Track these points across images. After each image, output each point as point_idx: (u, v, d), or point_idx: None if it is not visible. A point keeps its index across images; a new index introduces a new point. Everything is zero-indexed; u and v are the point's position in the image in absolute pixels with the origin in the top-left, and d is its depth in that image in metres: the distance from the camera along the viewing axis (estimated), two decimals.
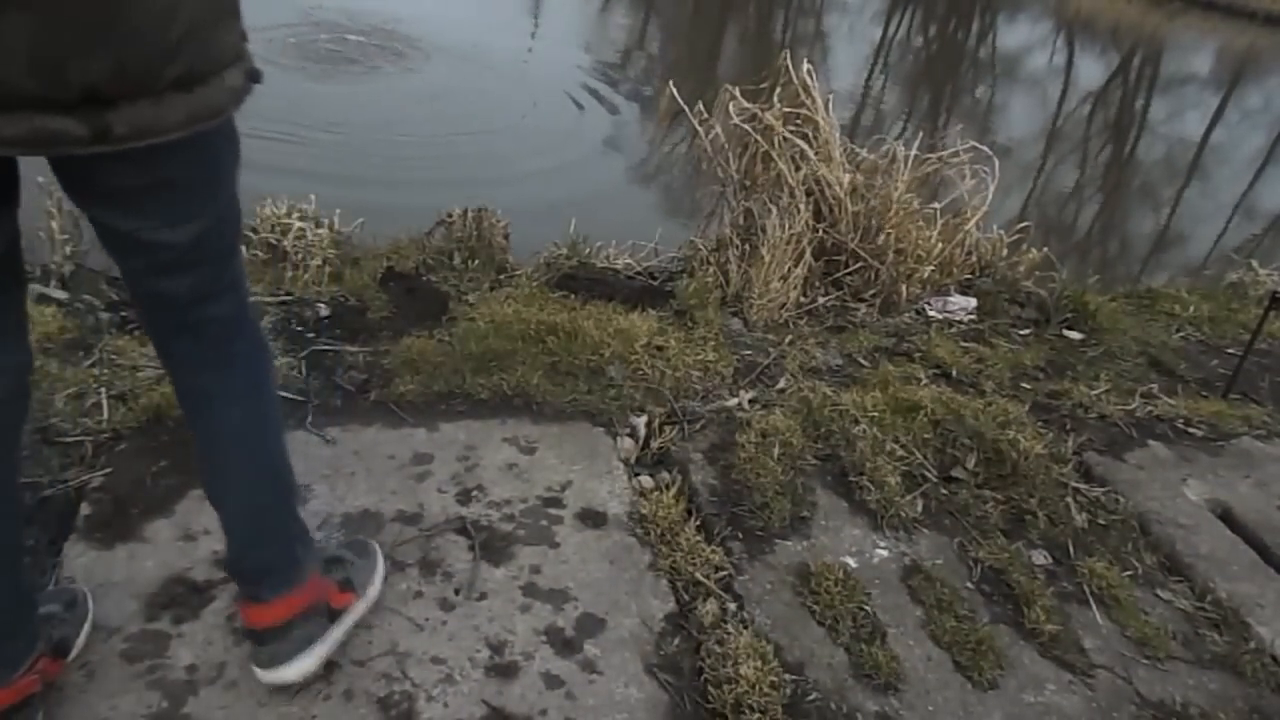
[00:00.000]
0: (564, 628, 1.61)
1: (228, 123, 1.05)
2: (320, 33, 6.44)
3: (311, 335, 2.29)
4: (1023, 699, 1.62)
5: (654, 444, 2.13)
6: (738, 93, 2.98)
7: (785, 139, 2.91)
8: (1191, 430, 2.54)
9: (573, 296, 2.66)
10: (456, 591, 1.64)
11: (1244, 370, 2.78)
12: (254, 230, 2.65)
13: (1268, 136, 10.27)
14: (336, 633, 1.43)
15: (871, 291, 3.00)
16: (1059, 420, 2.46)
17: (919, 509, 2.04)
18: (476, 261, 2.77)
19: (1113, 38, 15.28)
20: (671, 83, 3.10)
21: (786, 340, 2.69)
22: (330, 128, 4.79)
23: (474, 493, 1.88)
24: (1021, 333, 3.00)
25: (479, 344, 2.30)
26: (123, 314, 2.35)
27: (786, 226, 2.78)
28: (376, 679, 1.45)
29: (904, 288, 2.99)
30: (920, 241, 3.00)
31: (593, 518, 1.86)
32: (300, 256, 2.59)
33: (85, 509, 1.67)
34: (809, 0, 13.77)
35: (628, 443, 2.11)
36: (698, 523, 1.90)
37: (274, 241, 2.63)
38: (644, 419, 2.18)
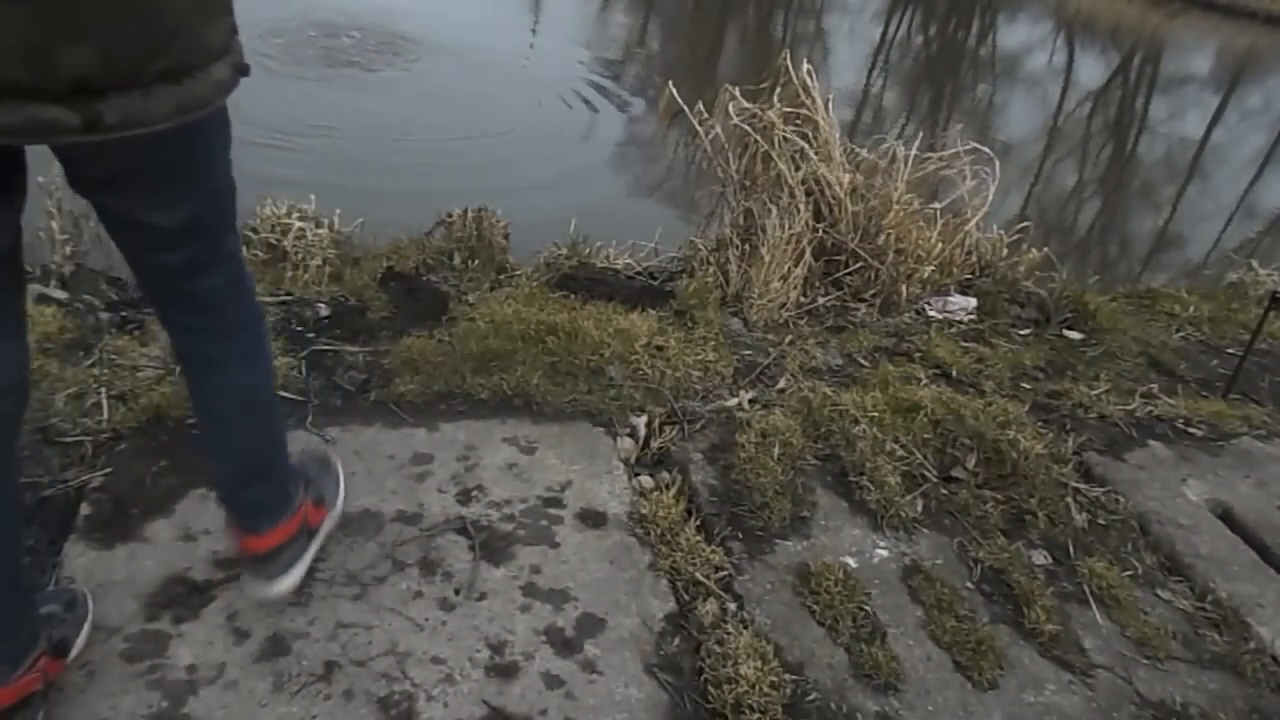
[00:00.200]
0: (564, 628, 1.61)
1: (219, 110, 1.09)
2: (319, 32, 6.45)
3: (311, 335, 2.29)
4: (1023, 699, 1.62)
5: (654, 444, 2.13)
6: (738, 93, 2.98)
7: (785, 139, 2.91)
8: (1191, 430, 2.54)
9: (573, 296, 2.66)
10: (456, 591, 1.64)
11: (1244, 370, 2.78)
12: (254, 230, 2.65)
13: (1268, 136, 10.27)
14: (314, 546, 1.58)
15: (871, 291, 3.00)
16: (1059, 420, 2.46)
17: (919, 509, 2.04)
18: (476, 261, 2.77)
19: (1113, 38, 15.27)
20: (671, 83, 3.10)
21: (786, 340, 2.69)
22: (329, 127, 4.79)
23: (474, 493, 1.88)
24: (1021, 333, 3.00)
25: (479, 344, 2.30)
26: (123, 314, 2.35)
27: (786, 226, 2.78)
28: (376, 679, 1.46)
29: (904, 288, 2.99)
30: (920, 241, 3.00)
31: (593, 518, 1.86)
32: (300, 256, 2.59)
33: (85, 509, 1.67)
34: (809, 0, 13.77)
35: (628, 443, 2.11)
36: (698, 523, 1.90)
37: (274, 241, 2.63)
38: (644, 419, 2.18)
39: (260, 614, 1.53)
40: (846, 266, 3.00)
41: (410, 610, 1.59)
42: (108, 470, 1.77)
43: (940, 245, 3.05)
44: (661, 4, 11.64)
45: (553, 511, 1.86)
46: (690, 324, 2.62)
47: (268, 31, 6.10)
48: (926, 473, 2.14)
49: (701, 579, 1.74)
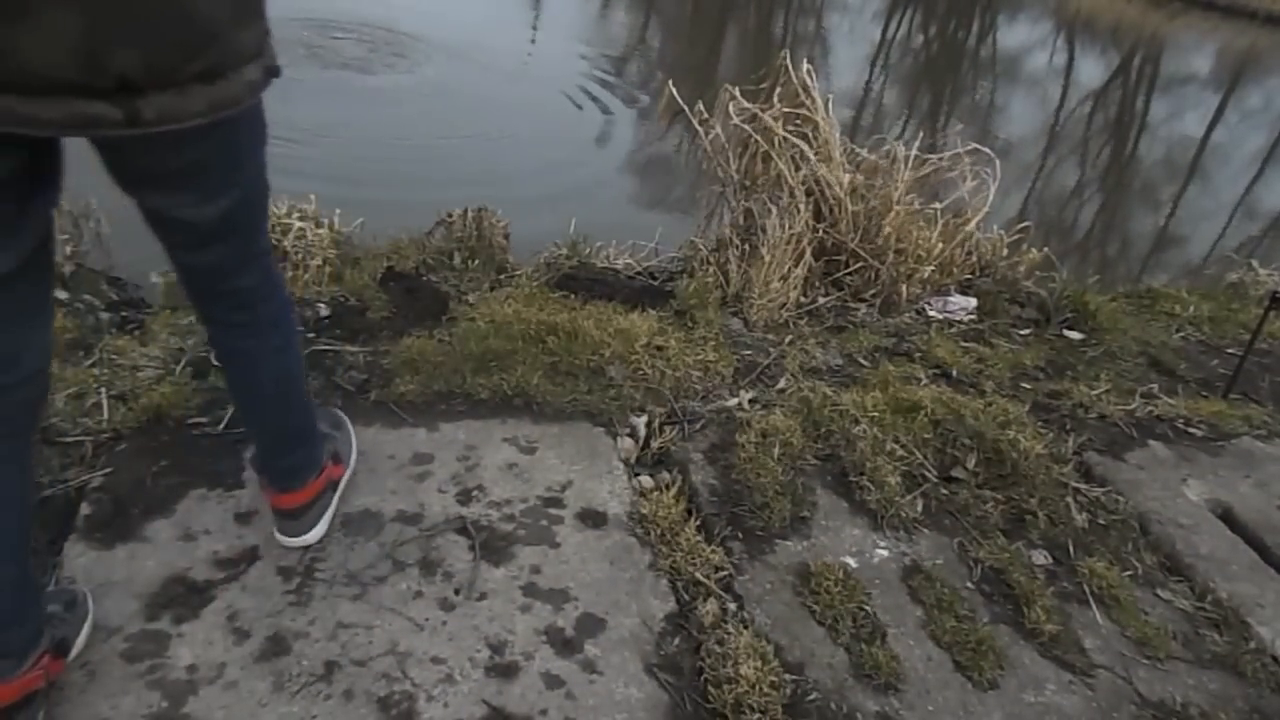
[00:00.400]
0: (564, 628, 1.61)
1: (252, 110, 1.17)
2: (319, 31, 6.44)
3: (312, 335, 2.29)
4: (1023, 699, 1.62)
5: (654, 444, 2.13)
6: (737, 93, 2.98)
7: (785, 139, 2.90)
8: (1191, 430, 2.54)
9: (573, 296, 2.66)
10: (456, 591, 1.64)
11: (1244, 370, 2.77)
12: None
13: (1268, 136, 10.27)
14: (336, 497, 1.73)
15: (871, 291, 3.00)
16: (1059, 420, 2.46)
17: (919, 509, 2.04)
18: (476, 261, 2.77)
19: (1113, 38, 15.27)
20: (671, 83, 3.10)
21: (786, 340, 2.69)
22: (329, 127, 4.78)
23: (474, 493, 1.88)
24: (1021, 333, 3.00)
25: (479, 344, 2.30)
26: (123, 314, 2.35)
27: (786, 226, 2.78)
28: (376, 679, 1.46)
29: (904, 288, 2.99)
30: (920, 241, 3.00)
31: (593, 518, 1.86)
32: (300, 256, 2.59)
33: (85, 509, 1.67)
34: (809, 0, 13.77)
35: (628, 443, 2.11)
36: (698, 523, 1.90)
37: (274, 241, 2.63)
38: (644, 419, 2.18)
39: (260, 614, 1.53)
40: (846, 266, 3.00)
41: (410, 610, 1.59)
42: (108, 470, 1.77)
43: (940, 245, 3.05)
44: (661, 4, 11.64)
45: (553, 511, 1.86)
46: (690, 324, 2.62)
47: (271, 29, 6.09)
48: (926, 473, 2.14)
49: (701, 579, 1.74)
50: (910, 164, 3.01)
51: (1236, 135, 10.21)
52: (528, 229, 3.02)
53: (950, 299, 3.08)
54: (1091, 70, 12.99)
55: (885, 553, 1.91)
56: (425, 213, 2.93)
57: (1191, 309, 3.33)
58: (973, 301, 3.08)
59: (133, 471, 1.77)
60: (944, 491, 2.11)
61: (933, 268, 3.04)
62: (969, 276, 3.23)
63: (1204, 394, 2.77)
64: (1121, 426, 2.48)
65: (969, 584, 1.86)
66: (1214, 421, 2.58)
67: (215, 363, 2.11)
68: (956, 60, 12.29)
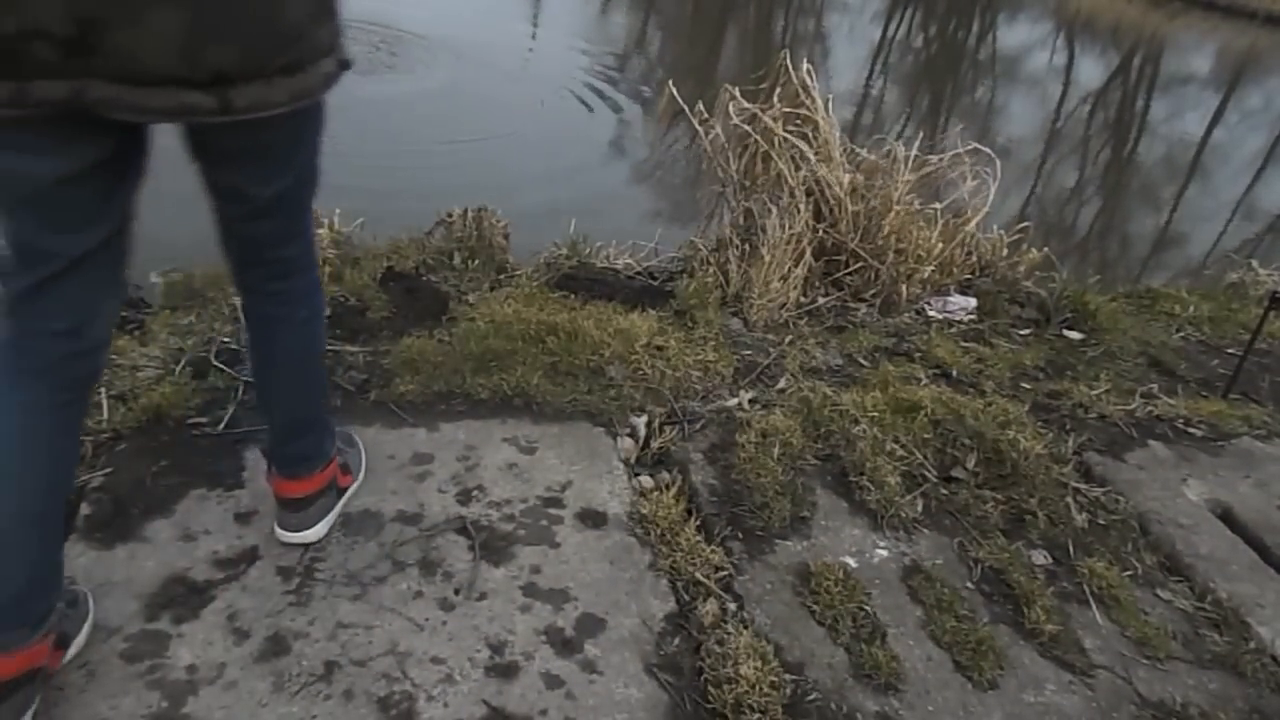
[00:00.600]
0: (564, 628, 1.61)
1: (318, 103, 1.29)
2: None
3: None
4: (1023, 699, 1.62)
5: (654, 444, 2.13)
6: (737, 93, 2.98)
7: (785, 139, 2.91)
8: (1191, 430, 2.54)
9: (573, 296, 2.66)
10: (456, 591, 1.64)
11: (1244, 370, 2.78)
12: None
13: (1268, 136, 10.28)
14: (339, 505, 1.75)
15: (871, 291, 3.00)
16: (1059, 420, 2.46)
17: (919, 509, 2.04)
18: (476, 261, 2.77)
19: (1113, 38, 15.28)
20: (671, 83, 3.10)
21: (786, 340, 2.69)
22: (329, 126, 4.78)
23: (474, 493, 1.88)
24: (1021, 333, 3.00)
25: (479, 344, 2.30)
26: (123, 314, 2.35)
27: (786, 226, 2.79)
28: (376, 679, 1.46)
29: (904, 288, 2.99)
30: (920, 241, 3.00)
31: (593, 518, 1.86)
32: None
33: (85, 509, 1.67)
34: (809, 0, 13.77)
35: (628, 443, 2.11)
36: (698, 523, 1.90)
37: None
38: (644, 419, 2.18)
39: (260, 614, 1.53)
40: (846, 266, 3.00)
41: (410, 610, 1.59)
42: (108, 470, 1.77)
43: (940, 245, 3.05)
44: (661, 4, 11.64)
45: (553, 511, 1.86)
46: (690, 324, 2.62)
47: None
48: (926, 473, 2.14)
49: (701, 579, 1.74)
50: (910, 164, 3.01)
51: (1236, 135, 10.22)
52: (528, 229, 3.02)
53: (950, 299, 3.08)
54: (1091, 70, 13.00)
55: (885, 553, 1.91)
56: (425, 213, 2.93)
57: (1191, 309, 3.33)
58: (973, 301, 3.08)
59: (133, 471, 1.77)
60: (944, 491, 2.11)
61: (933, 268, 3.04)
62: (969, 276, 3.23)
63: (1204, 394, 2.77)
64: (1121, 426, 2.48)
65: (969, 584, 1.86)
66: (1214, 421, 2.58)
67: (215, 363, 2.11)
68: (956, 60, 12.29)
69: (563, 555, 1.76)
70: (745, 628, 1.64)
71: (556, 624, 1.61)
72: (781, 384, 2.46)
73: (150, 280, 2.50)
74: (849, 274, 3.01)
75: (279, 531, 1.66)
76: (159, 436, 1.87)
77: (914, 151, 3.03)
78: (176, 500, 1.73)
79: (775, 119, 2.91)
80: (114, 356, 2.10)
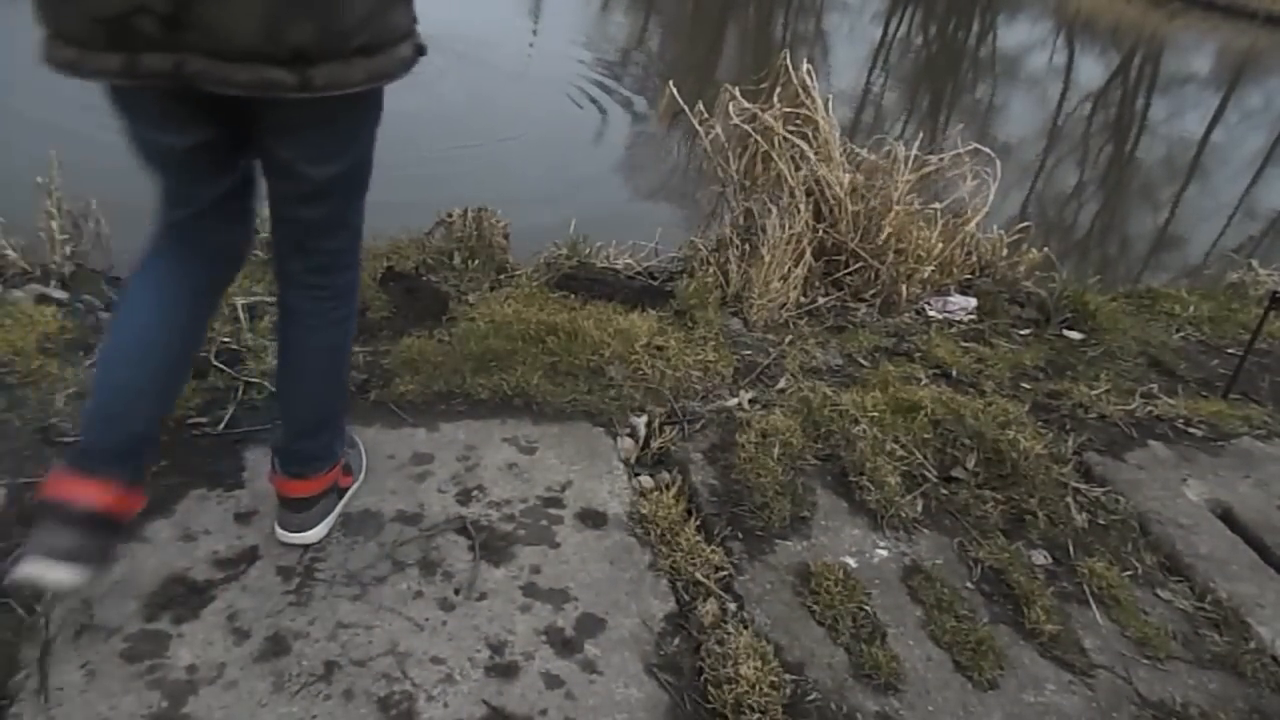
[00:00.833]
0: (564, 628, 1.61)
1: (378, 92, 1.35)
2: None
3: None
4: (1023, 699, 1.62)
5: (654, 444, 2.13)
6: (738, 93, 2.98)
7: (785, 139, 2.91)
8: (1191, 430, 2.54)
9: (573, 296, 2.66)
10: (456, 591, 1.64)
11: (1244, 370, 2.78)
12: (254, 231, 2.64)
13: (1268, 136, 10.28)
14: (340, 506, 1.76)
15: (871, 291, 3.00)
16: (1059, 420, 2.46)
17: (919, 509, 2.04)
18: (476, 261, 2.77)
19: (1113, 38, 15.28)
20: (671, 83, 3.10)
21: (786, 340, 2.69)
22: None
23: (474, 493, 1.88)
24: (1021, 333, 3.00)
25: (479, 344, 2.30)
26: None
27: (786, 226, 2.78)
28: (376, 679, 1.46)
29: (904, 288, 2.99)
30: (920, 241, 3.00)
31: (593, 518, 1.86)
32: None
33: None
34: (809, 0, 13.77)
35: (628, 443, 2.11)
36: (698, 523, 1.90)
37: None
38: (644, 419, 2.18)
39: (260, 614, 1.53)
40: (846, 266, 3.00)
41: (410, 610, 1.59)
42: None
43: (940, 245, 3.05)
44: (661, 4, 11.64)
45: (553, 511, 1.86)
46: (690, 324, 2.62)
47: None
48: (926, 473, 2.14)
49: (701, 579, 1.74)
50: (910, 164, 3.01)
51: (1236, 135, 10.22)
52: (528, 229, 3.02)
53: (950, 299, 3.08)
54: (1091, 70, 13.00)
55: (885, 553, 1.91)
56: (425, 213, 2.93)
57: (1191, 309, 3.33)
58: (973, 301, 3.08)
59: None
60: (944, 491, 2.11)
61: (933, 268, 3.04)
62: (969, 276, 3.23)
63: (1204, 394, 2.77)
64: (1121, 426, 2.48)
65: (969, 584, 1.86)
66: (1214, 421, 2.58)
67: (215, 363, 2.11)
68: (956, 60, 12.30)
69: (563, 555, 1.76)
70: (745, 628, 1.64)
71: (556, 624, 1.61)
72: (781, 384, 2.46)
73: None
74: (849, 274, 3.01)
75: (279, 532, 1.66)
76: (159, 436, 1.86)
77: (914, 151, 3.03)
78: (176, 500, 1.73)
79: (775, 119, 2.91)
80: None
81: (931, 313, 3.01)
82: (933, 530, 1.99)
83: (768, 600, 1.73)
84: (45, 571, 1.32)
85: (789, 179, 2.86)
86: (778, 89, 2.99)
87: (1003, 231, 3.36)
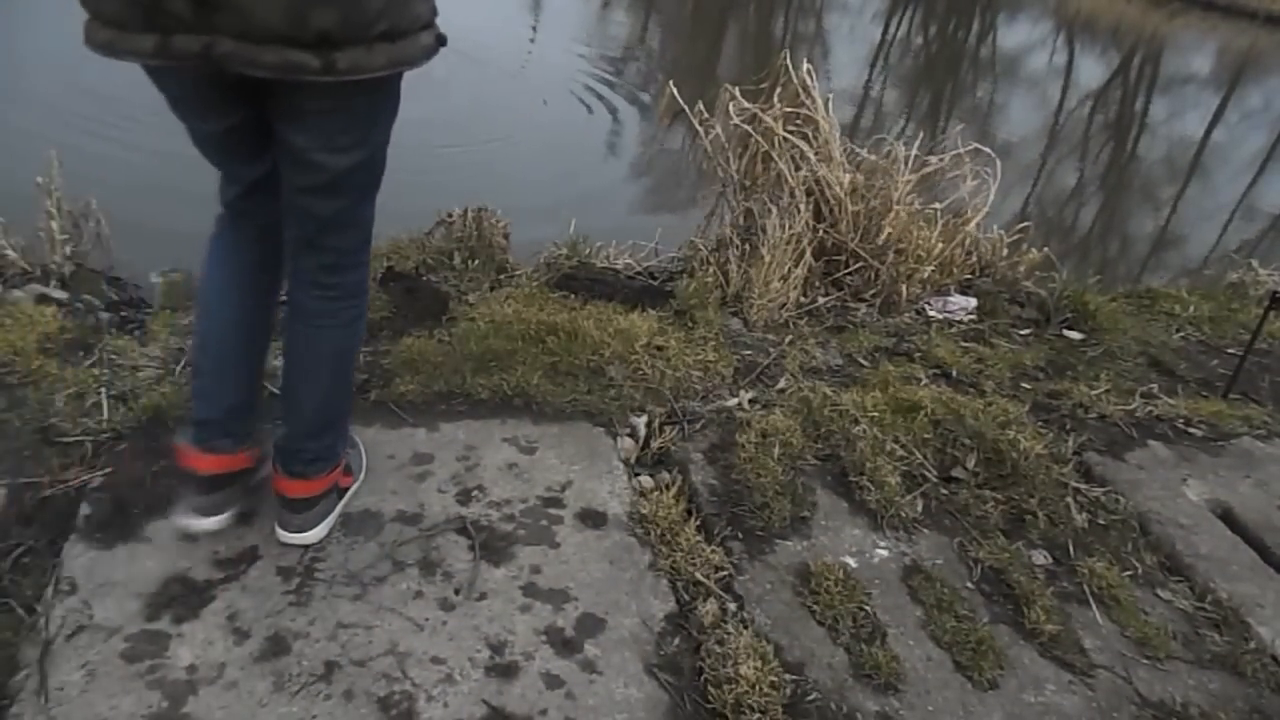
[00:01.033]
0: (564, 628, 1.61)
1: (396, 85, 1.40)
2: None
3: None
4: (1023, 699, 1.62)
5: (654, 444, 2.13)
6: (738, 93, 2.98)
7: (785, 139, 2.90)
8: (1191, 430, 2.54)
9: (573, 296, 2.66)
10: (456, 591, 1.64)
11: (1244, 370, 2.77)
12: None
13: (1268, 136, 10.27)
14: (339, 506, 1.76)
15: (871, 291, 3.00)
16: (1059, 420, 2.46)
17: (919, 509, 2.04)
18: (476, 261, 2.77)
19: (1113, 38, 15.28)
20: (671, 83, 3.10)
21: (786, 340, 2.69)
22: None
23: (474, 493, 1.88)
24: (1021, 333, 3.00)
25: (479, 344, 2.30)
26: (122, 314, 2.35)
27: (786, 226, 2.78)
28: (376, 679, 1.46)
29: (904, 288, 2.99)
30: (920, 241, 3.00)
31: (593, 518, 1.86)
32: None
33: (85, 509, 1.67)
34: (809, 0, 13.76)
35: (628, 443, 2.11)
36: (698, 523, 1.90)
37: None
38: (644, 419, 2.18)
39: (260, 614, 1.53)
40: (846, 266, 3.00)
41: (410, 610, 1.59)
42: (108, 470, 1.77)
43: (940, 245, 3.05)
44: (661, 4, 11.64)
45: (553, 511, 1.86)
46: (690, 324, 2.62)
47: None
48: (926, 473, 2.14)
49: (701, 579, 1.74)
50: (910, 164, 3.01)
51: (1236, 135, 10.21)
52: (527, 229, 3.02)
53: (950, 299, 3.08)
54: (1091, 70, 12.99)
55: (885, 553, 1.91)
56: (425, 213, 2.93)
57: (1191, 309, 3.33)
58: (973, 301, 3.08)
59: (133, 471, 1.77)
60: (944, 491, 2.11)
61: (933, 268, 3.04)
62: (969, 276, 3.23)
63: (1204, 394, 2.77)
64: (1121, 426, 2.48)
65: (969, 584, 1.86)
66: (1214, 421, 2.58)
67: None
68: (956, 60, 12.29)
69: (563, 555, 1.76)
70: (745, 628, 1.64)
71: (556, 624, 1.61)
72: (781, 384, 2.46)
73: (150, 280, 2.51)
74: (849, 274, 3.01)
75: (279, 532, 1.66)
76: (159, 436, 1.87)
77: (914, 151, 3.03)
78: (176, 500, 1.72)
79: (775, 119, 2.91)
80: (114, 356, 2.10)
81: (931, 313, 3.01)
82: (933, 530, 1.99)
83: (768, 600, 1.73)
84: (190, 523, 1.60)
85: (789, 179, 2.86)
86: (778, 89, 2.99)
87: (1003, 231, 3.36)
